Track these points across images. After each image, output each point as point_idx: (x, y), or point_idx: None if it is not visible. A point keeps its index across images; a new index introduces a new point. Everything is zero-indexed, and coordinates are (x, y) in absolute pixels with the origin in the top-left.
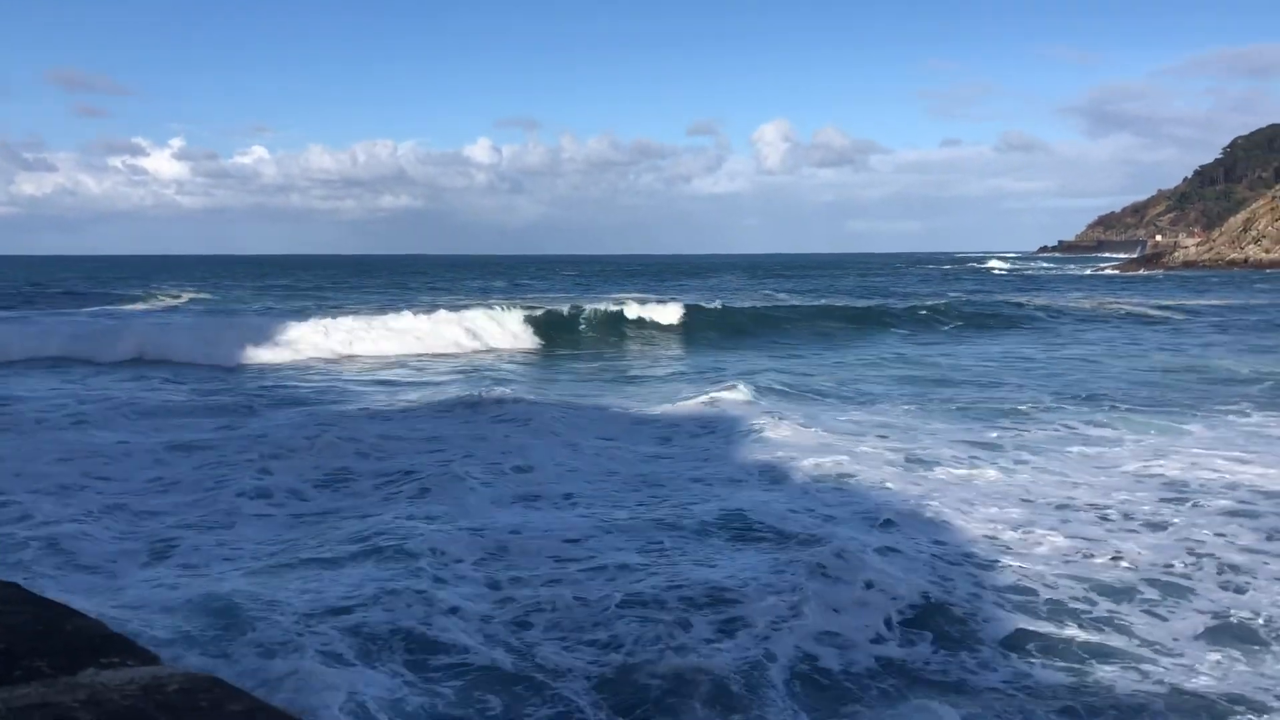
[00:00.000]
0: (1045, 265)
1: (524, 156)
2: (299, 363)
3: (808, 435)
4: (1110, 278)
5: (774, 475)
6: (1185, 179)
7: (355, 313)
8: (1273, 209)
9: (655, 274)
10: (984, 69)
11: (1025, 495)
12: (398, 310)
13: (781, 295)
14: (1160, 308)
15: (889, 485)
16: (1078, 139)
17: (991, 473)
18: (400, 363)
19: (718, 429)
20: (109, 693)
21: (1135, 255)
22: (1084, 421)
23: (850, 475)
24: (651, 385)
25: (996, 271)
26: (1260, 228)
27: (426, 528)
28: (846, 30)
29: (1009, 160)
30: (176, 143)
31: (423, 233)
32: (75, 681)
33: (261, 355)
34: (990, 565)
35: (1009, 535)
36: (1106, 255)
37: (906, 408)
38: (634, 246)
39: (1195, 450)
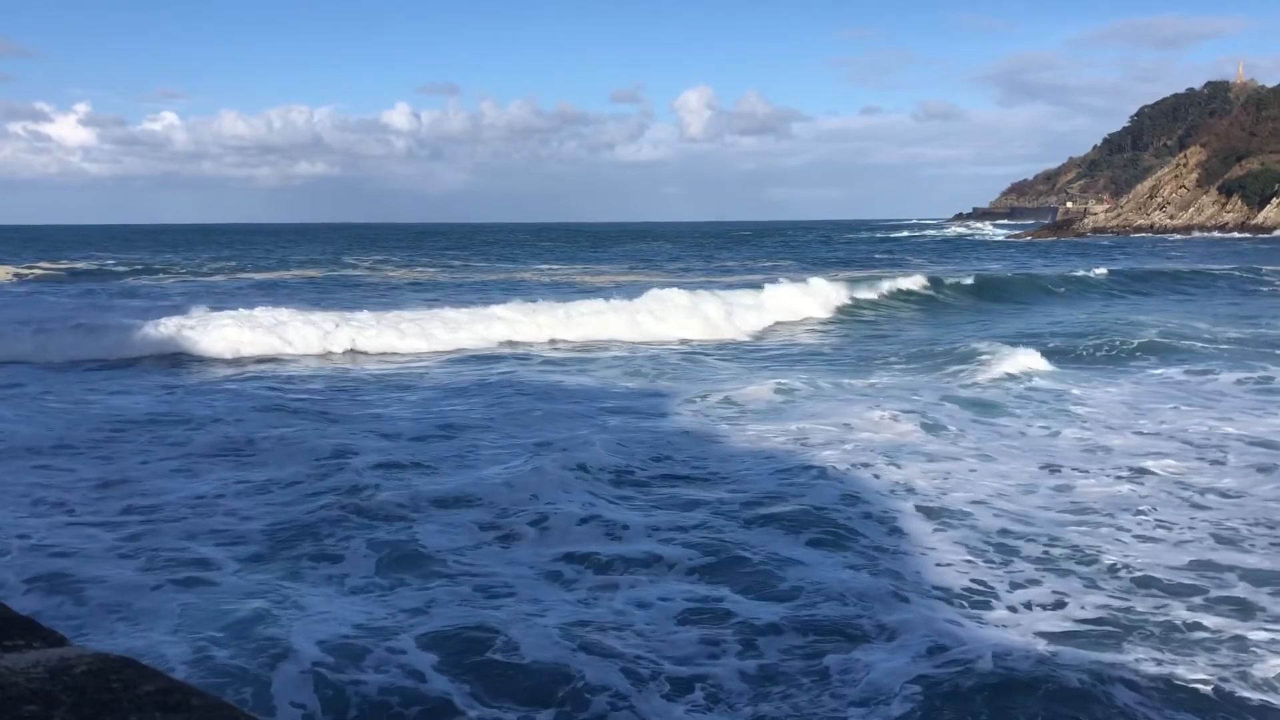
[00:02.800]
0: (990, 229)
1: (444, 123)
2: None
3: None
4: (1032, 243)
5: None
6: (1095, 147)
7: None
8: (1176, 176)
9: (592, 243)
10: (901, 37)
11: None
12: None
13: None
14: None
15: None
16: (993, 108)
17: None
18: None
19: None
20: (13, 676)
21: (1046, 221)
22: None
23: None
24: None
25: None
26: (1165, 194)
27: None
28: None
29: (927, 128)
30: (82, 108)
31: (340, 201)
32: None
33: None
34: None
35: None
36: (1022, 222)
37: None
38: (556, 214)
39: None
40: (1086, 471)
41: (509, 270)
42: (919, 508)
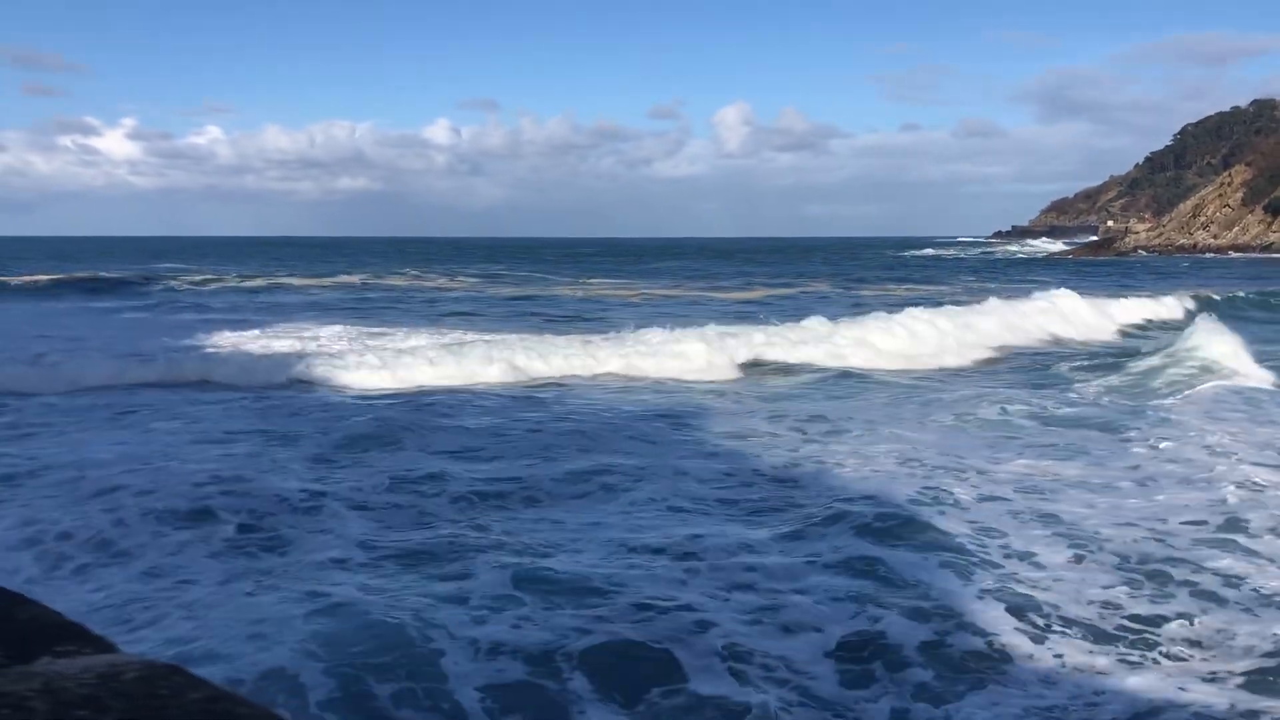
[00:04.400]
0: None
1: (483, 138)
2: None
3: None
4: (1086, 262)
5: None
6: (1136, 165)
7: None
8: (1220, 195)
9: (636, 258)
10: (942, 54)
11: None
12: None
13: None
14: None
15: None
16: (1033, 125)
17: None
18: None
19: None
20: (64, 681)
21: (1090, 239)
22: None
23: None
24: None
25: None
26: (1209, 214)
27: None
28: (806, 9)
29: (967, 145)
30: (129, 122)
31: (381, 215)
32: (29, 670)
33: None
34: None
35: None
36: (1072, 240)
37: None
38: (593, 229)
39: None
40: None
41: (595, 286)
42: None
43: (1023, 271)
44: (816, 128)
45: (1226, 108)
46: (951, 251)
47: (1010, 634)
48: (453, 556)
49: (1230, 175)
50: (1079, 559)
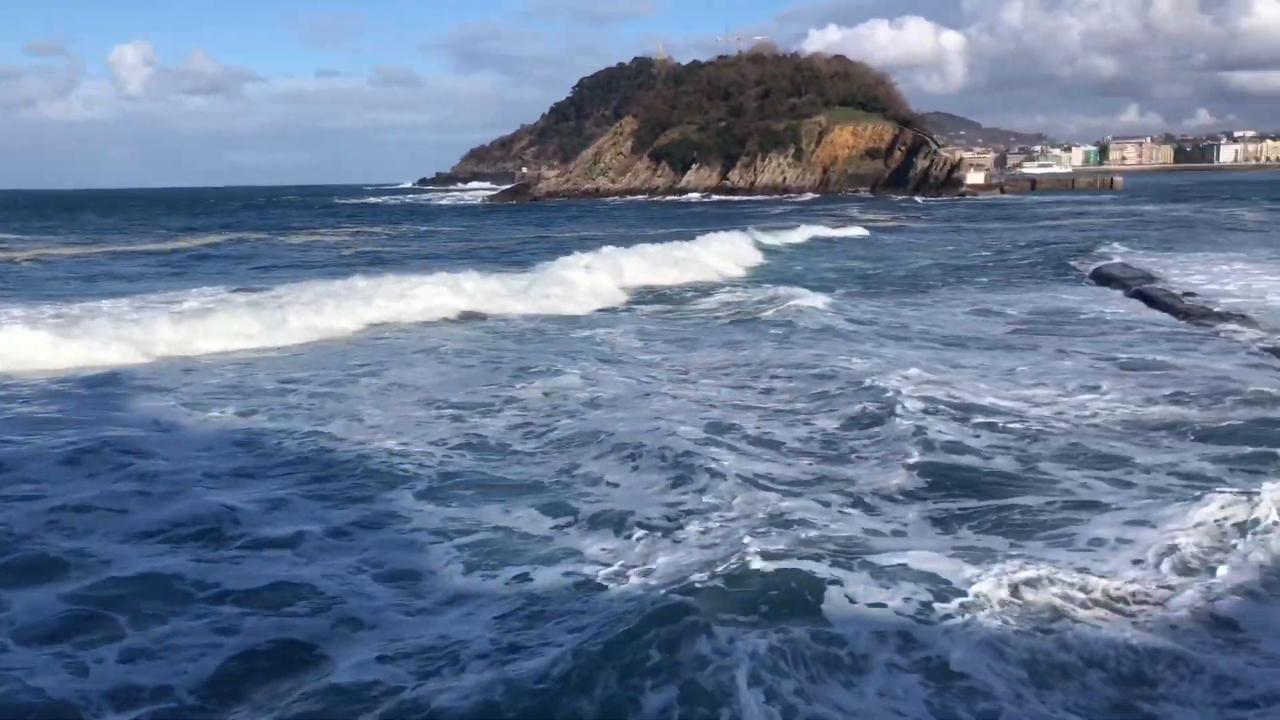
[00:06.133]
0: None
1: None
2: None
3: None
4: (514, 207)
5: None
6: (544, 115)
7: None
8: (614, 144)
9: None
10: None
11: None
12: None
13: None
14: None
15: None
16: (449, 75)
17: None
18: None
19: None
20: None
21: (506, 187)
22: None
23: None
24: None
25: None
26: (606, 160)
27: None
28: None
29: (385, 94)
30: None
31: None
32: None
33: None
34: None
35: None
36: (486, 187)
37: None
38: None
39: None
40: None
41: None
42: None
43: (459, 219)
44: (228, 71)
45: (614, 64)
46: (385, 199)
47: (593, 543)
48: None
49: (621, 126)
50: (632, 461)
